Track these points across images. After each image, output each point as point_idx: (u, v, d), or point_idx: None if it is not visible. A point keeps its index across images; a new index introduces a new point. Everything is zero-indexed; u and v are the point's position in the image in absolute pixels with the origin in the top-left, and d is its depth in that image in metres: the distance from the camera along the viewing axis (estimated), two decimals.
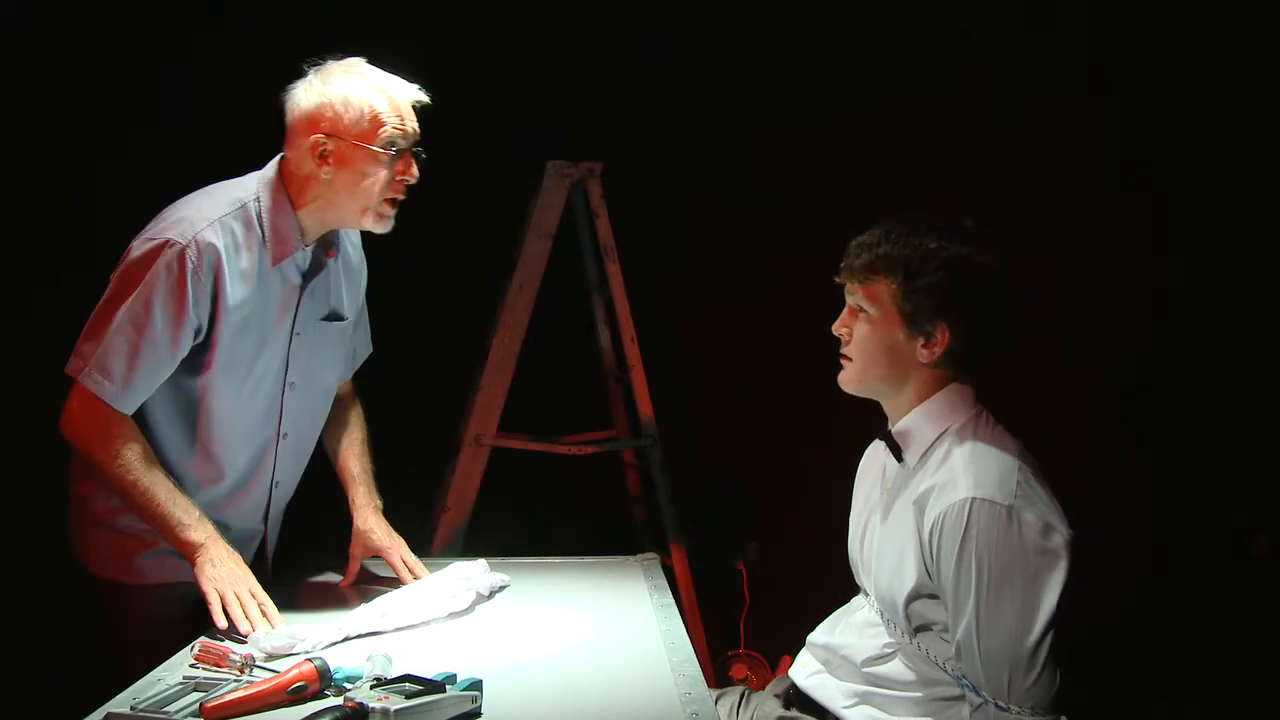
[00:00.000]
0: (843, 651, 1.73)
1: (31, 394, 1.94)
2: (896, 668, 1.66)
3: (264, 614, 1.69)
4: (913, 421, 1.67)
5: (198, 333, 1.79)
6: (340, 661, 1.49)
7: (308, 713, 1.34)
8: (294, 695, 1.40)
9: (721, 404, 3.48)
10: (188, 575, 1.81)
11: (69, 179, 2.89)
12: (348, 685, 1.44)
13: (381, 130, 1.80)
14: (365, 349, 2.16)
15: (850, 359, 1.70)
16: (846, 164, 3.12)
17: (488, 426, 3.08)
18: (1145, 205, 2.95)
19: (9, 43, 2.82)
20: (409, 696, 1.30)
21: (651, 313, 3.30)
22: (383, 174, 1.81)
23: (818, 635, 1.83)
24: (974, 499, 1.51)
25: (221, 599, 1.69)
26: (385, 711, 1.26)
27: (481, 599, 1.90)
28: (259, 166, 1.90)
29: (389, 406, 2.35)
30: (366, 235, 2.01)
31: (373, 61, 1.88)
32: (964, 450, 1.59)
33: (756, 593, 3.40)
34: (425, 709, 1.30)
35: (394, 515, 2.96)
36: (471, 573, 1.93)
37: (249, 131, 2.31)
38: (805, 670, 1.80)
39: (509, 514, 3.15)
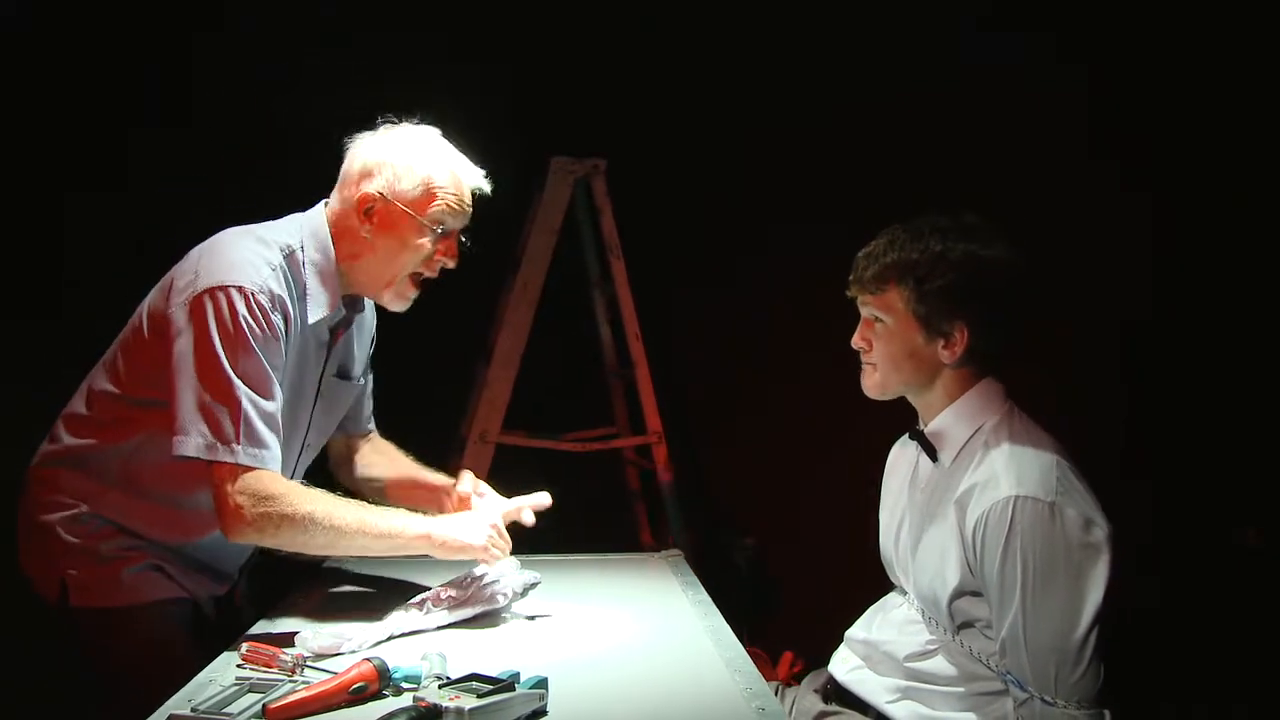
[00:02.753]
0: (884, 648, 1.74)
1: None
2: (939, 664, 1.67)
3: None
4: (946, 421, 1.69)
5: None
6: (394, 661, 1.47)
7: (370, 713, 1.33)
8: (355, 695, 1.38)
9: (721, 401, 3.49)
10: (176, 591, 1.78)
11: (70, 179, 2.85)
12: (406, 685, 1.42)
13: (434, 204, 1.73)
14: (369, 409, 2.10)
15: (874, 366, 1.71)
16: (850, 163, 3.15)
17: (492, 424, 3.07)
18: (1145, 206, 3.01)
19: (9, 43, 2.77)
20: (480, 695, 1.28)
21: (651, 310, 3.31)
22: (424, 249, 1.75)
23: (856, 631, 1.84)
24: (1016, 497, 1.52)
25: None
26: (460, 711, 1.25)
27: (516, 597, 1.88)
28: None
29: (388, 407, 2.33)
30: None
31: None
32: (1002, 448, 1.61)
33: (756, 590, 3.42)
34: (497, 707, 1.28)
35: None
36: (505, 570, 1.92)
37: (249, 135, 2.30)
38: (845, 666, 1.81)
39: None
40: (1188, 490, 3.03)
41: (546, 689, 1.37)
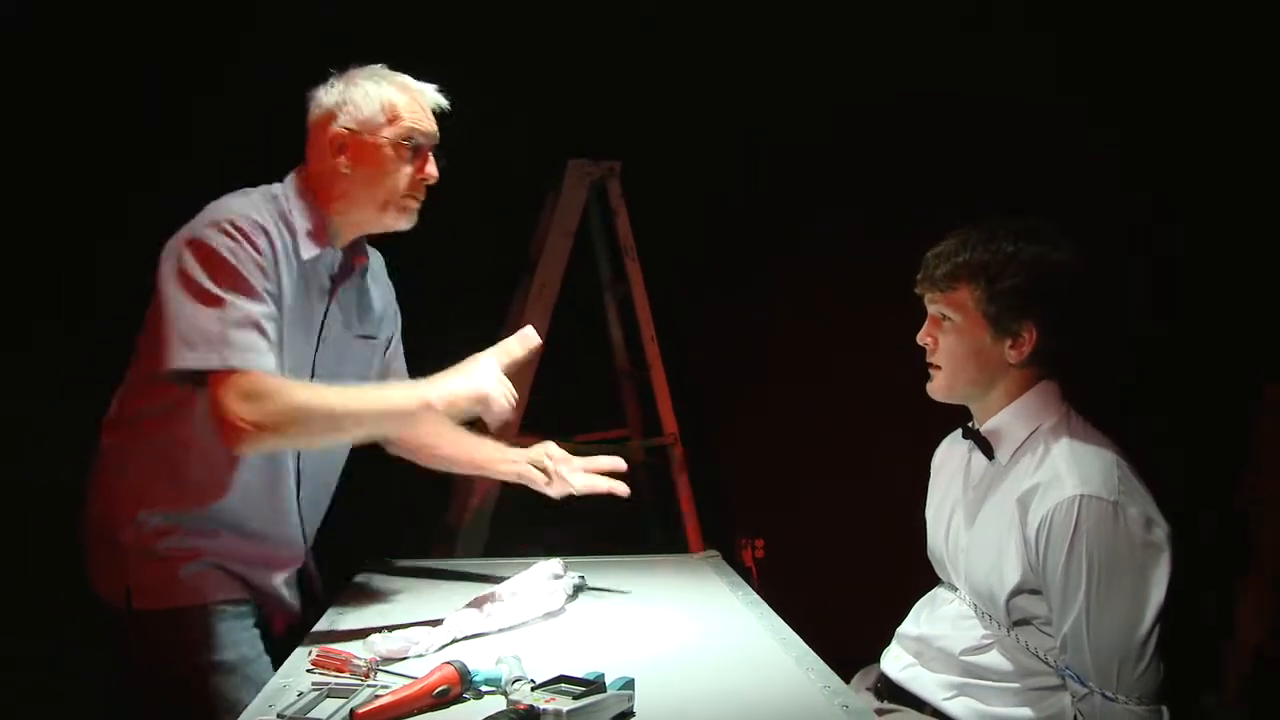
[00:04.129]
0: (938, 643, 1.76)
1: None
2: (994, 658, 1.69)
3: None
4: (1004, 420, 1.72)
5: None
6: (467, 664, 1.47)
7: (452, 716, 1.34)
8: (438, 699, 1.38)
9: (733, 403, 3.50)
10: (237, 591, 1.77)
11: (68, 180, 2.81)
12: (485, 688, 1.42)
13: (399, 122, 1.78)
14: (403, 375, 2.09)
15: (939, 367, 1.75)
16: (866, 165, 3.16)
17: (511, 424, 3.05)
18: (1145, 206, 3.05)
19: (8, 43, 2.72)
20: (575, 697, 1.28)
21: (664, 312, 3.31)
22: (404, 169, 1.80)
23: (908, 628, 1.86)
24: (1082, 496, 1.55)
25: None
26: (558, 713, 1.25)
27: (571, 598, 1.89)
28: (266, 167, 1.85)
29: None
30: (375, 240, 1.96)
31: (393, 65, 1.87)
32: (1063, 448, 1.64)
33: (762, 591, 3.44)
34: (593, 709, 1.29)
35: (399, 517, 2.92)
36: (554, 571, 1.92)
37: (257, 133, 2.27)
38: (898, 664, 1.83)
39: (506, 514, 3.14)
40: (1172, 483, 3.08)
41: (633, 690, 1.37)
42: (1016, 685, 1.67)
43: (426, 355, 3.16)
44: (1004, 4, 3.03)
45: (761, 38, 3.21)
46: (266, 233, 1.70)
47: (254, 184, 1.82)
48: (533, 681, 1.37)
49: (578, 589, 1.95)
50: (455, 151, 1.88)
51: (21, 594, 2.49)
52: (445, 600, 1.85)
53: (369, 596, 1.93)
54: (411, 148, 1.80)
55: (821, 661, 1.57)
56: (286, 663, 1.55)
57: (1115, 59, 2.87)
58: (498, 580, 1.84)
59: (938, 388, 1.76)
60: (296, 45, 2.93)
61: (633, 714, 1.35)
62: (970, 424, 1.80)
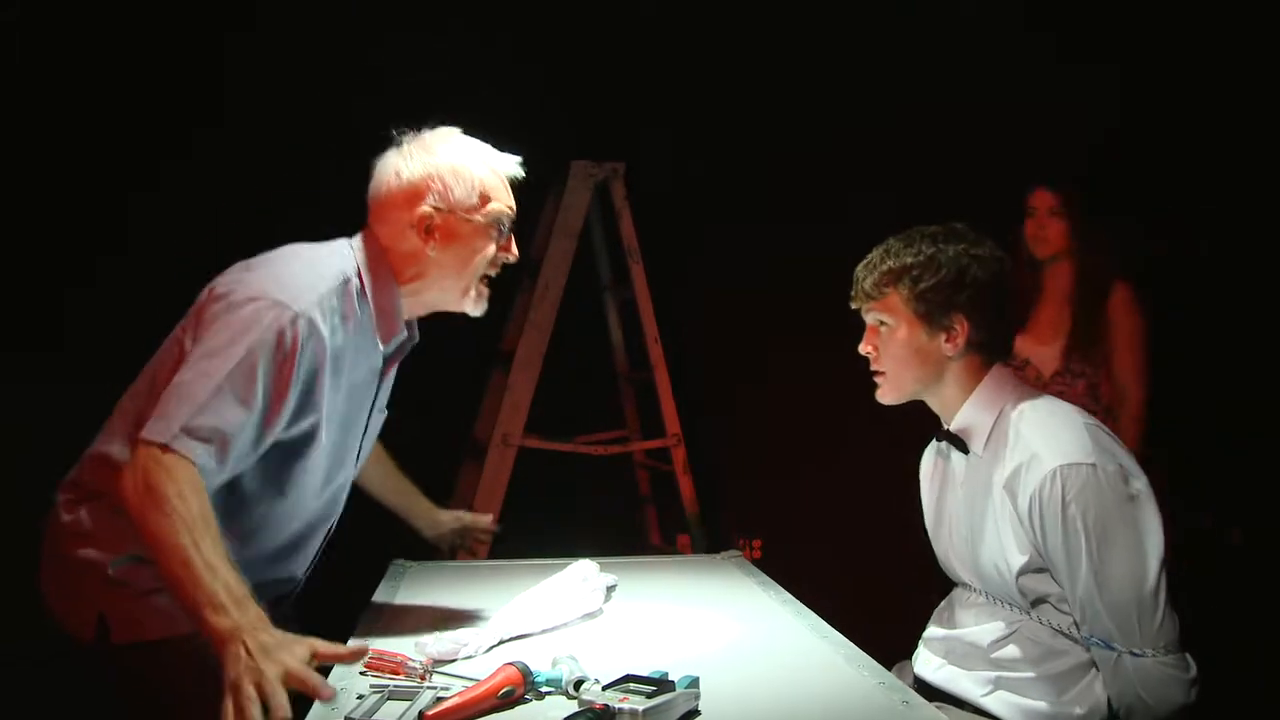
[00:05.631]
0: (966, 639, 1.79)
1: None
2: (1022, 646, 1.73)
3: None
4: (968, 413, 1.78)
5: (292, 416, 1.58)
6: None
7: (517, 717, 1.34)
8: (503, 700, 1.37)
9: (732, 405, 3.52)
10: None
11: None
12: (546, 688, 1.42)
13: (490, 204, 1.70)
14: None
15: (883, 372, 1.81)
16: (866, 169, 3.20)
17: (515, 426, 3.06)
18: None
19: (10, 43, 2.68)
20: (649, 696, 1.29)
21: (665, 313, 3.32)
22: (489, 250, 1.71)
23: (934, 631, 1.89)
24: (1060, 466, 1.61)
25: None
26: (634, 712, 1.25)
27: (607, 598, 1.89)
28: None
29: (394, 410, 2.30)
30: None
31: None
32: (1030, 425, 1.70)
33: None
34: (666, 707, 1.29)
35: (401, 518, 2.89)
36: (589, 572, 1.92)
37: (257, 137, 2.26)
38: (930, 666, 1.85)
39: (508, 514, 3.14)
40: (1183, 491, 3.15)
41: (699, 688, 1.37)
42: (1048, 669, 1.70)
43: (427, 358, 3.18)
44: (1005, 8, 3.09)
45: (766, 38, 3.23)
46: (320, 337, 1.57)
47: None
48: (597, 681, 1.37)
49: (609, 590, 1.95)
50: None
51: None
52: (478, 601, 1.85)
53: (403, 599, 1.92)
54: (501, 229, 1.73)
55: (872, 660, 1.58)
56: (337, 666, 1.53)
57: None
58: (525, 582, 1.84)
59: (885, 392, 1.82)
60: (307, 47, 2.91)
61: (699, 712, 1.36)
62: (943, 427, 1.85)
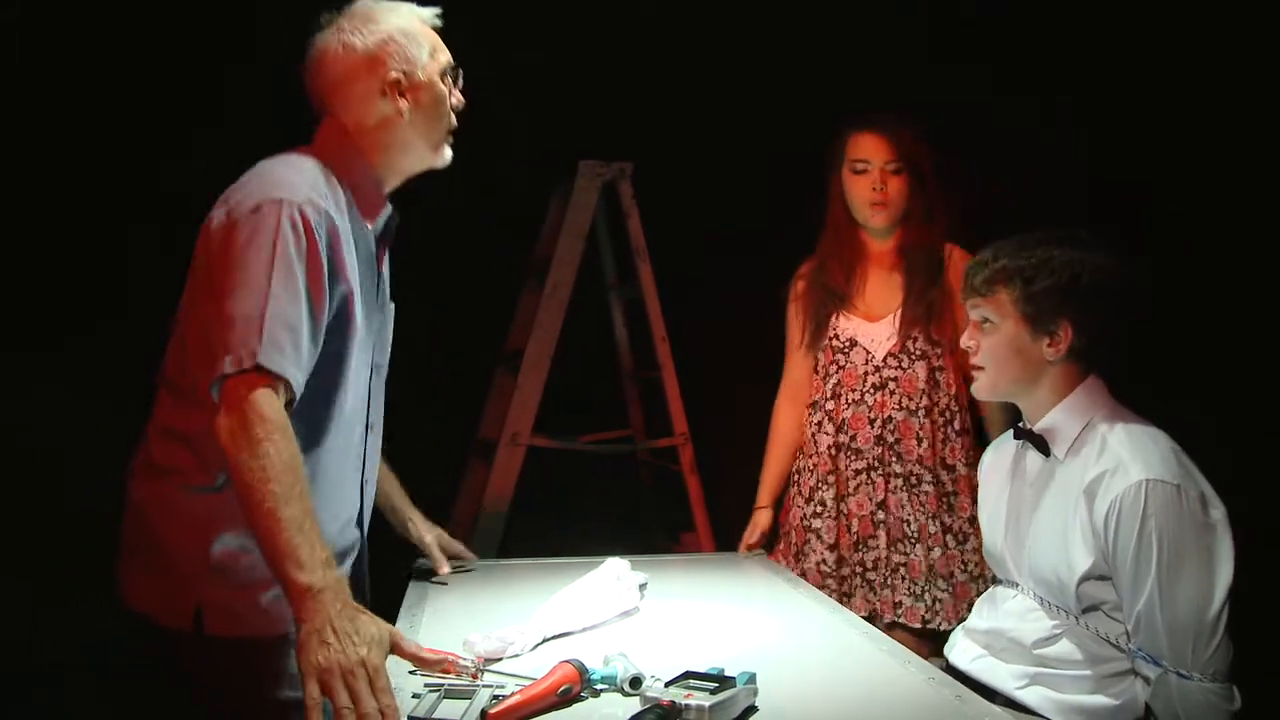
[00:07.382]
0: (1009, 635, 1.81)
1: None
2: (1065, 647, 1.75)
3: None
4: (1057, 417, 1.80)
5: (332, 303, 1.59)
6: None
7: (574, 715, 1.35)
8: (561, 697, 1.38)
9: (734, 404, 3.52)
10: None
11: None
12: (601, 685, 1.42)
13: (440, 55, 1.74)
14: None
15: (982, 368, 1.84)
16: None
17: (524, 426, 3.05)
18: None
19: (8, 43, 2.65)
20: (712, 693, 1.29)
21: (672, 313, 3.32)
22: (451, 101, 1.75)
23: (976, 622, 1.91)
24: (1147, 480, 1.63)
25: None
26: (700, 709, 1.26)
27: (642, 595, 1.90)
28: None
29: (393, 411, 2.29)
30: None
31: None
32: (1120, 437, 1.72)
33: None
34: (730, 703, 1.30)
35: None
36: (622, 570, 1.92)
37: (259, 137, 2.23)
38: (967, 655, 1.87)
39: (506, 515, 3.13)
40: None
41: (757, 684, 1.38)
42: (1088, 672, 1.73)
43: (433, 358, 3.16)
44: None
45: (776, 40, 3.24)
46: (330, 219, 1.58)
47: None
48: (657, 678, 1.37)
49: (641, 587, 1.95)
50: (463, 152, 1.83)
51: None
52: (513, 600, 1.86)
53: (436, 599, 1.91)
54: (452, 76, 1.76)
55: (916, 655, 1.59)
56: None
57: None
58: (555, 580, 1.85)
59: (982, 387, 1.86)
60: (299, 43, 2.89)
61: (756, 709, 1.36)
62: (1020, 424, 1.87)
